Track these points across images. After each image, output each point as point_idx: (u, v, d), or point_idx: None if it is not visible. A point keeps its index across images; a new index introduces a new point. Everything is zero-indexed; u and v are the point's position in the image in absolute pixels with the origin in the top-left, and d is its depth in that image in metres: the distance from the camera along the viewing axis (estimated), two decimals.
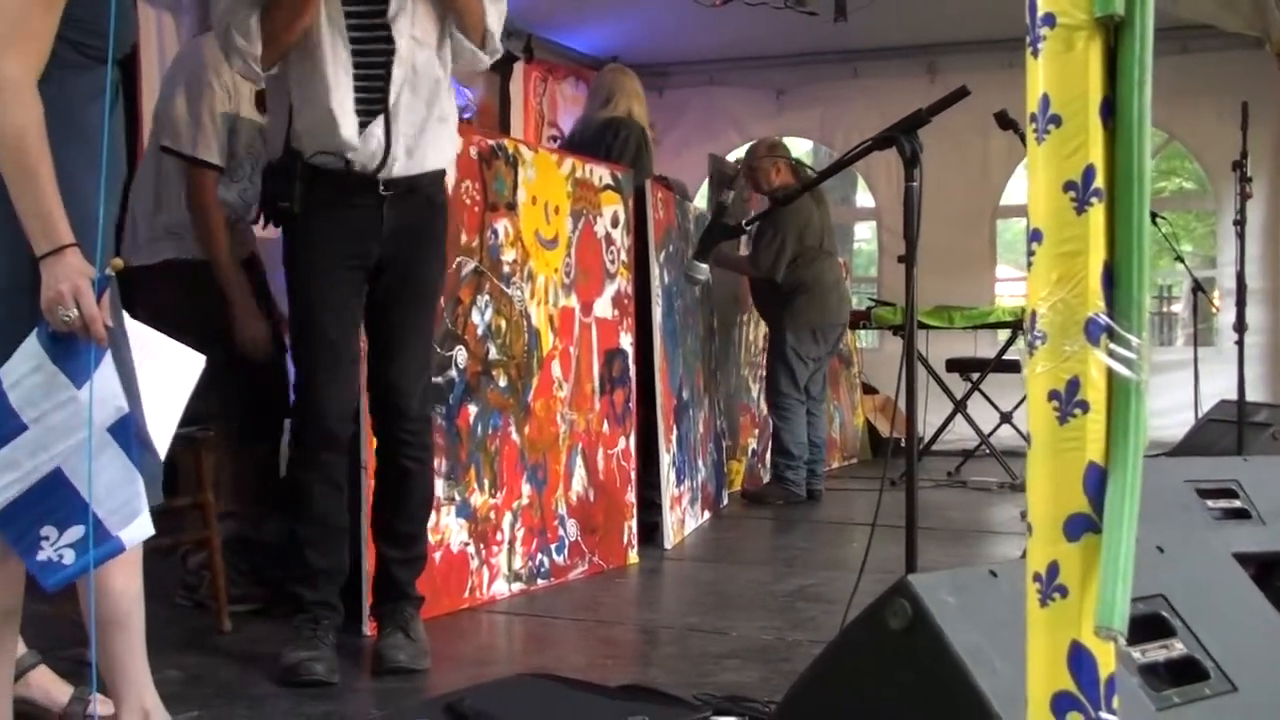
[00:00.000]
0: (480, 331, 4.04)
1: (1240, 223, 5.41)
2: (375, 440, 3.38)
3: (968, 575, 1.92)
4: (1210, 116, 8.49)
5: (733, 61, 10.02)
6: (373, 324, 3.32)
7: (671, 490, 5.24)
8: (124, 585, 2.26)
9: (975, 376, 7.98)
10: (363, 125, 3.17)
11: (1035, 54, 1.19)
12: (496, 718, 2.34)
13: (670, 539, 5.17)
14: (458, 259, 3.94)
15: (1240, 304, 5.46)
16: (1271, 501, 4.04)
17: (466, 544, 3.95)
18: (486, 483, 4.05)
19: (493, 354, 4.11)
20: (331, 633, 3.21)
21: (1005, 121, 4.94)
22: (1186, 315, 12.18)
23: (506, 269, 4.16)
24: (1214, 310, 9.07)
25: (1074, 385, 1.17)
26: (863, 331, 9.48)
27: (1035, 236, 1.20)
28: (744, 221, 3.53)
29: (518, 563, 4.19)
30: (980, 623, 1.82)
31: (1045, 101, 1.18)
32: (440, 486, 3.84)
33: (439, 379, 3.84)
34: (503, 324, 4.15)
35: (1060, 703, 1.19)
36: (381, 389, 3.32)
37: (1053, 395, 1.18)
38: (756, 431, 7.46)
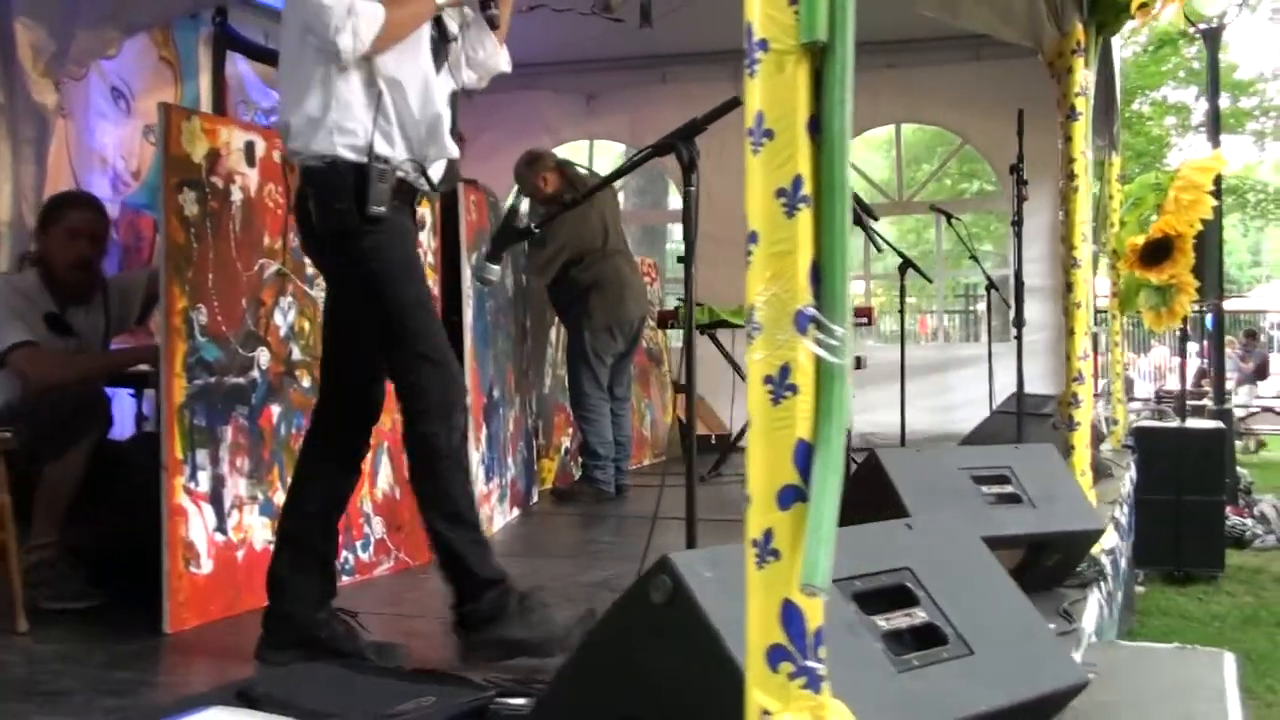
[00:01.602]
0: (283, 333, 4.10)
1: (1017, 224, 5.70)
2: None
3: (726, 551, 2.05)
4: (1000, 121, 8.87)
5: (544, 66, 10.12)
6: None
7: (480, 487, 5.33)
8: None
9: None
10: None
11: (751, 74, 1.33)
12: (287, 701, 2.42)
13: None
14: (260, 261, 3.99)
15: (1019, 301, 5.75)
16: (1040, 486, 4.30)
17: (270, 541, 4.00)
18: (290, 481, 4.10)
19: (296, 354, 4.16)
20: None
21: None
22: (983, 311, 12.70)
23: (310, 270, 4.21)
24: (1008, 307, 9.47)
25: (785, 370, 1.31)
26: (672, 330, 9.67)
27: (752, 238, 1.34)
28: (533, 225, 3.66)
29: None
30: (737, 595, 1.96)
31: (760, 118, 1.32)
32: (242, 485, 3.90)
33: (241, 379, 3.89)
34: (306, 325, 4.20)
35: (774, 654, 1.33)
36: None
37: (767, 379, 1.32)
38: (570, 430, 7.59)
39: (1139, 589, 9.15)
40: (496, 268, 3.54)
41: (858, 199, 6.96)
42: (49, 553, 3.92)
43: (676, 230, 14.83)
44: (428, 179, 3.41)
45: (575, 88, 10.26)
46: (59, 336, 4.22)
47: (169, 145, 3.64)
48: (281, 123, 3.37)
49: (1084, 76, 5.25)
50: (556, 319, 7.44)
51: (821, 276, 1.31)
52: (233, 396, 3.88)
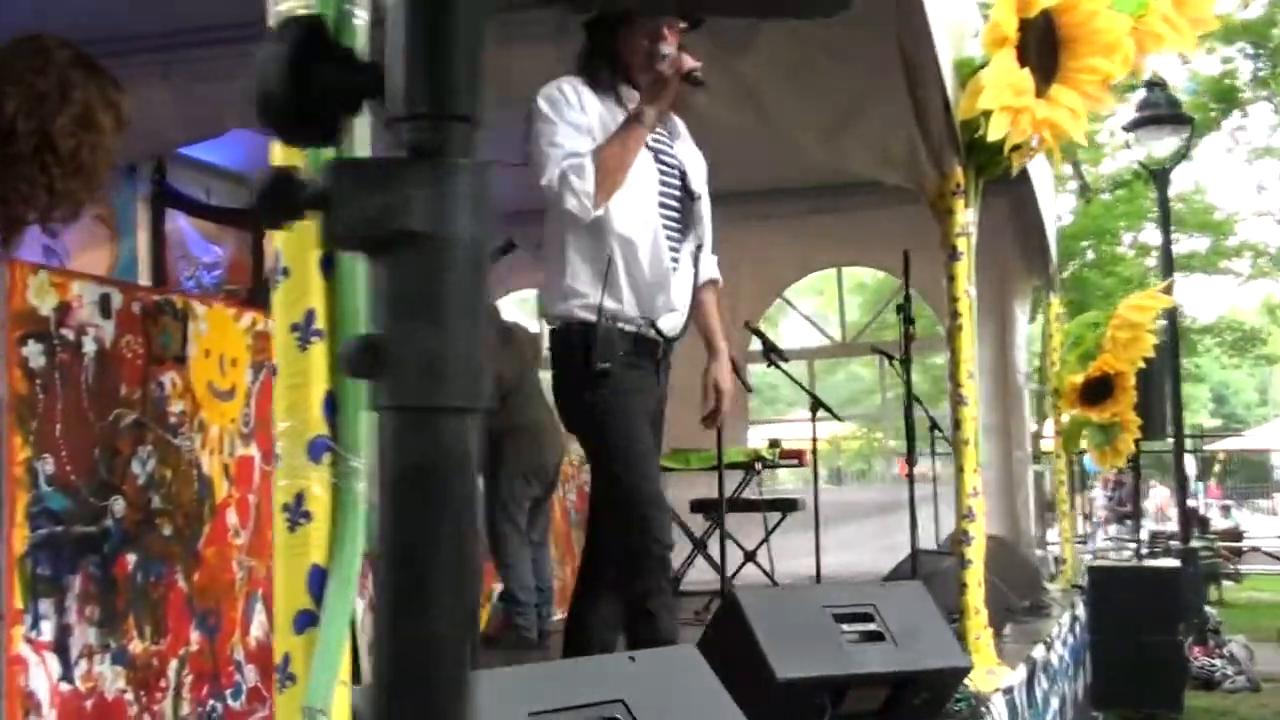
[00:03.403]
0: (141, 481, 4.14)
1: (905, 361, 5.76)
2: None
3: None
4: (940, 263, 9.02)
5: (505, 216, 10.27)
6: None
7: (370, 636, 5.33)
8: None
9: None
10: None
11: None
12: None
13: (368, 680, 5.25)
14: (116, 411, 4.05)
15: (909, 439, 5.77)
16: (905, 624, 4.30)
17: (124, 690, 4.00)
18: (149, 629, 4.11)
19: (156, 503, 4.20)
20: None
21: None
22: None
23: (174, 419, 4.27)
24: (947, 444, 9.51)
25: (300, 498, 1.36)
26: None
27: (273, 370, 1.39)
28: None
29: (185, 709, 4.24)
30: None
31: (278, 256, 1.39)
32: (92, 634, 3.91)
33: (92, 528, 3.93)
34: (168, 473, 4.25)
35: None
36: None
37: (285, 507, 1.37)
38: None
39: None
40: None
41: (766, 341, 7.06)
42: None
43: None
44: (657, 330, 3.55)
45: (520, 237, 10.38)
46: None
47: (11, 299, 3.73)
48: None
49: (965, 217, 5.36)
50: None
51: (336, 407, 1.36)
52: (82, 545, 3.91)
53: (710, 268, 4.00)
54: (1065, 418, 9.11)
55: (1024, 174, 7.41)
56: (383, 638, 0.63)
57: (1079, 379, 8.98)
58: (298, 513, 1.36)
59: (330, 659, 1.32)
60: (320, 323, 1.36)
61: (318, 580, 1.35)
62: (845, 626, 4.17)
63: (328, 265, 1.36)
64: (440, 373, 0.64)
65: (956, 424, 5.28)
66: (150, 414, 4.20)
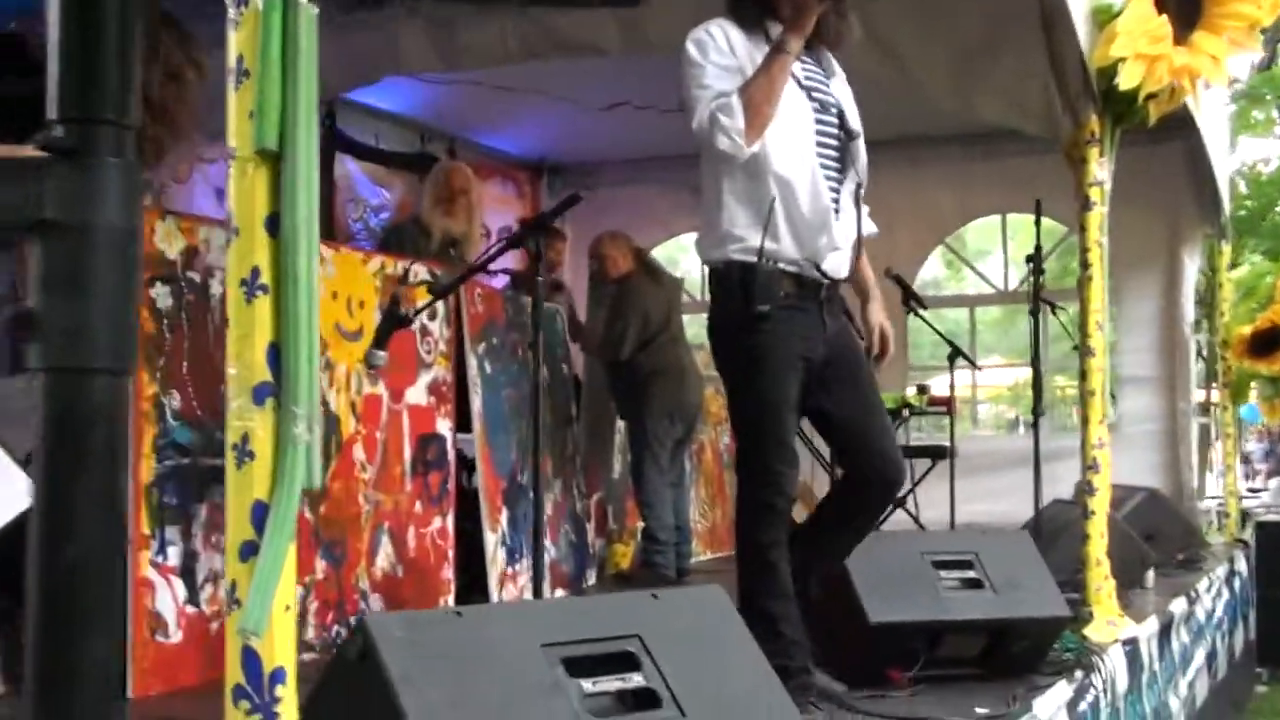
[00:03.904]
0: None
1: (1034, 313, 5.69)
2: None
3: (430, 615, 2.22)
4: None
5: (650, 160, 10.31)
6: (840, 412, 3.79)
7: (501, 568, 5.52)
8: None
9: None
10: None
11: (226, 178, 1.52)
12: None
13: None
14: None
15: (1036, 391, 5.71)
16: (1006, 573, 4.31)
17: None
18: None
19: None
20: (819, 696, 3.59)
21: None
22: None
23: None
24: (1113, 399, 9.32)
25: (246, 438, 1.49)
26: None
27: (225, 323, 1.52)
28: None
29: (310, 633, 4.48)
30: (427, 655, 2.11)
31: (230, 216, 1.51)
32: (219, 561, 4.16)
33: (219, 460, 4.16)
34: None
35: (236, 693, 1.48)
36: (881, 461, 3.81)
37: (234, 446, 1.50)
38: None
39: (1261, 688, 8.84)
40: (383, 354, 3.79)
41: (906, 288, 7.03)
42: None
43: None
44: (820, 271, 3.65)
45: (682, 181, 10.44)
46: None
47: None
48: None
49: (1099, 167, 5.27)
50: None
51: (280, 357, 1.48)
52: (208, 476, 4.16)
53: (867, 221, 3.95)
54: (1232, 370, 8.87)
55: (1191, 121, 7.21)
56: (34, 564, 0.73)
57: (1246, 330, 8.73)
58: (243, 452, 1.49)
59: (265, 586, 1.44)
60: (265, 278, 1.48)
61: (260, 514, 1.47)
62: (944, 573, 4.20)
63: (273, 225, 1.47)
64: (87, 339, 0.74)
65: (1083, 374, 5.22)
66: None
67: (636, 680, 2.26)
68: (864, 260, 3.94)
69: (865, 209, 3.93)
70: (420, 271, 4.95)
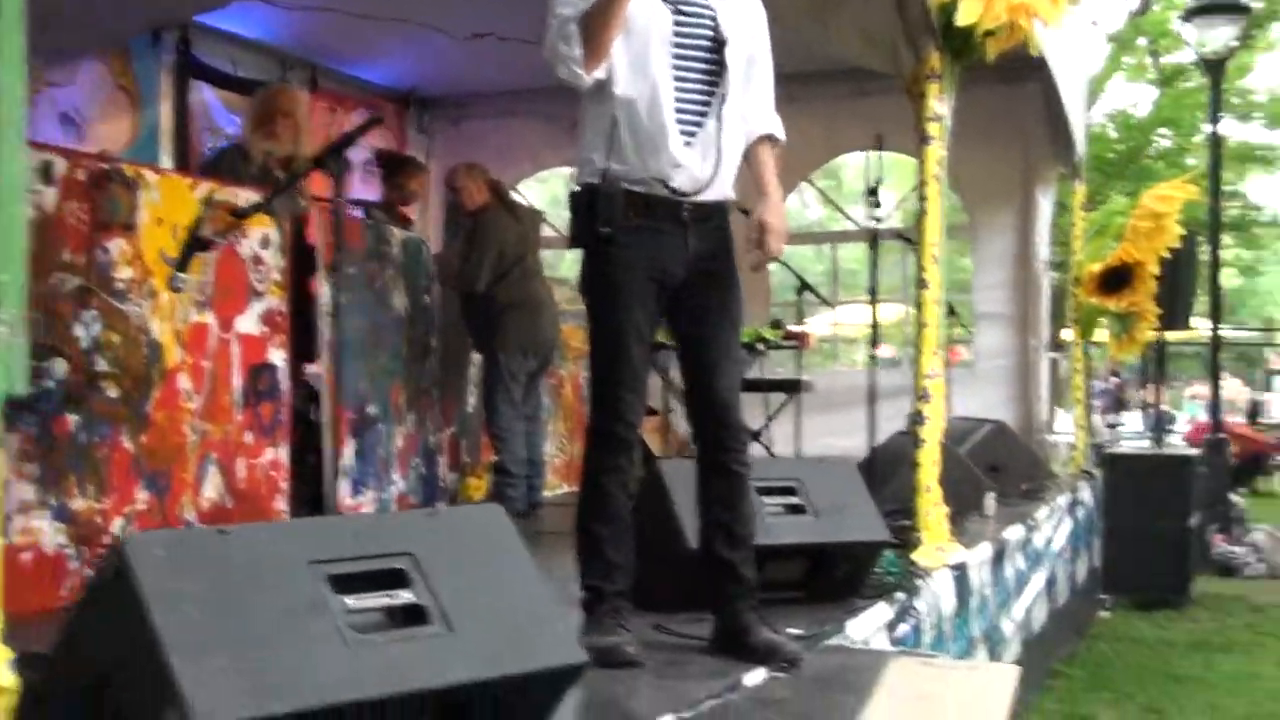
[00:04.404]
0: (84, 344, 4.29)
1: (873, 246, 5.76)
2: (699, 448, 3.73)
3: (194, 533, 2.20)
4: (970, 150, 8.95)
5: (528, 92, 10.17)
6: (688, 344, 3.67)
7: (345, 500, 5.50)
8: None
9: None
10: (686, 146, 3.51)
11: None
12: None
13: None
14: (56, 275, 4.19)
15: (874, 327, 5.78)
16: (828, 499, 4.38)
17: (65, 546, 4.19)
18: (91, 488, 4.29)
19: (101, 365, 4.35)
20: (629, 620, 3.56)
21: None
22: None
23: (121, 285, 4.41)
24: (968, 331, 9.51)
25: None
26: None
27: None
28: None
29: None
30: (187, 573, 2.09)
31: None
32: (29, 491, 4.09)
33: (35, 389, 4.09)
34: (115, 338, 4.39)
35: None
36: (708, 404, 3.66)
37: None
38: None
39: (1104, 614, 9.09)
40: (183, 275, 3.75)
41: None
42: None
43: None
44: (670, 189, 3.50)
45: (551, 114, 10.36)
46: None
47: None
48: None
49: (939, 102, 5.33)
50: None
51: None
52: (18, 405, 4.07)
53: (765, 123, 3.76)
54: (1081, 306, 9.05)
55: (1042, 61, 7.29)
56: None
57: (1096, 268, 8.91)
58: None
59: None
60: None
61: None
62: (767, 499, 4.24)
63: None
64: None
65: (918, 305, 5.29)
66: (95, 279, 4.34)
67: (405, 597, 2.27)
68: (763, 165, 3.73)
69: (776, 116, 3.79)
70: (252, 196, 4.87)
